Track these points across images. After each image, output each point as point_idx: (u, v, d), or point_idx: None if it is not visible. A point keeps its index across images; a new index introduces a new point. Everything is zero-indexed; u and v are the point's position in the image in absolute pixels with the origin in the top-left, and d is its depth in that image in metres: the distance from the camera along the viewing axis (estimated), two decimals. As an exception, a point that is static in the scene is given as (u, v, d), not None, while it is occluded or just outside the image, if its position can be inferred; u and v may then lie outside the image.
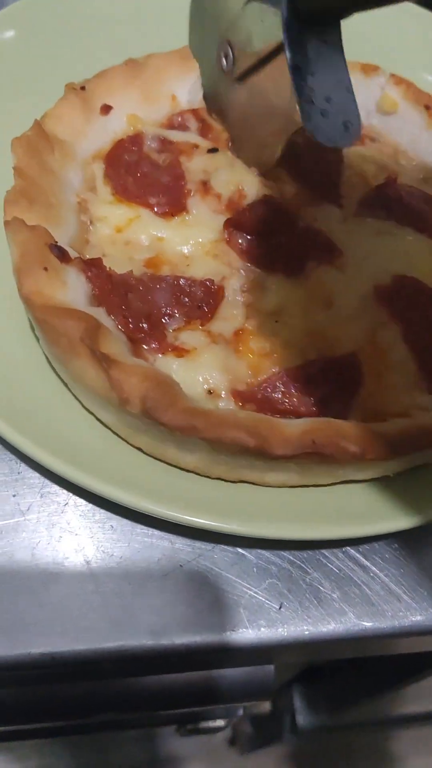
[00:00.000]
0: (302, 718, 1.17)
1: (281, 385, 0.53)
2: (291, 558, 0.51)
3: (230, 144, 0.69)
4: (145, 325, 0.53)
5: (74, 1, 0.75)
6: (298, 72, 0.50)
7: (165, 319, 0.55)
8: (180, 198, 0.63)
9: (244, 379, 0.54)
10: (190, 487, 0.49)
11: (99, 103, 0.65)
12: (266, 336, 0.57)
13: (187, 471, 0.50)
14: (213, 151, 0.68)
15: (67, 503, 0.51)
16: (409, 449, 0.47)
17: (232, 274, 0.59)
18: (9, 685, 0.59)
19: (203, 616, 0.48)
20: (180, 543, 0.51)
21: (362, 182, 0.69)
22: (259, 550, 0.51)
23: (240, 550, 0.51)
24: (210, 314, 0.56)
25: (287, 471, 0.49)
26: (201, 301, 0.56)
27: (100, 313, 0.51)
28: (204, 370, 0.53)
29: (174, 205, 0.62)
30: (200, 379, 0.53)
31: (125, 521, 0.51)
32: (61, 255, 0.51)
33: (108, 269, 0.54)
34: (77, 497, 0.52)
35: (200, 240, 0.61)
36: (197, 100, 0.71)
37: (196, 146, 0.68)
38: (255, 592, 0.49)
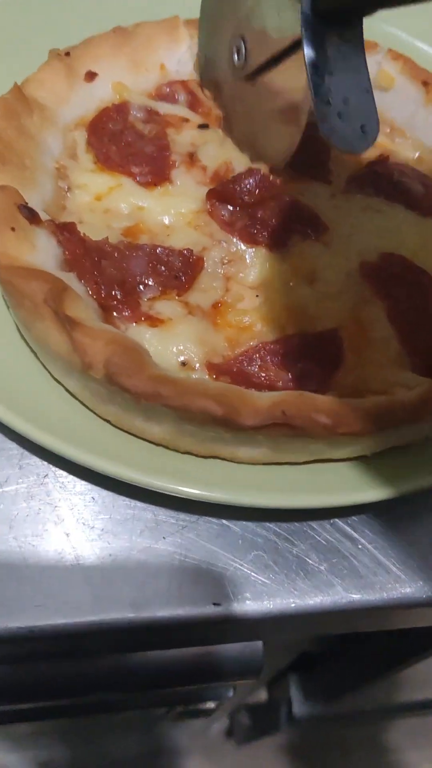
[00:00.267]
0: (298, 708, 1.16)
1: (258, 359, 0.51)
2: (277, 530, 0.50)
3: (222, 123, 0.67)
4: (117, 293, 0.51)
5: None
6: (316, 70, 0.48)
7: (140, 288, 0.53)
8: (164, 168, 0.61)
9: (221, 352, 0.52)
10: (169, 461, 0.48)
11: (84, 69, 0.63)
12: (246, 310, 0.55)
13: (156, 444, 0.48)
14: (204, 127, 0.67)
15: (47, 475, 0.50)
16: (383, 424, 0.45)
17: (213, 245, 0.58)
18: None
19: (186, 589, 0.46)
20: (163, 515, 0.49)
21: (353, 159, 0.67)
22: (244, 522, 0.50)
23: (225, 521, 0.49)
24: (187, 285, 0.54)
25: (258, 445, 0.47)
26: (178, 270, 0.54)
27: (70, 278, 0.49)
28: (179, 341, 0.51)
29: (157, 175, 0.61)
30: (174, 350, 0.51)
31: (106, 493, 0.49)
32: (31, 216, 0.49)
33: (82, 234, 0.52)
34: (57, 469, 0.50)
35: (182, 210, 0.59)
36: (187, 71, 0.69)
37: (186, 120, 0.67)
38: (240, 565, 0.48)
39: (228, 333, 0.53)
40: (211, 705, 0.94)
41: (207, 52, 0.67)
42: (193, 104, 0.69)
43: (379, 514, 0.52)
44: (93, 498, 0.49)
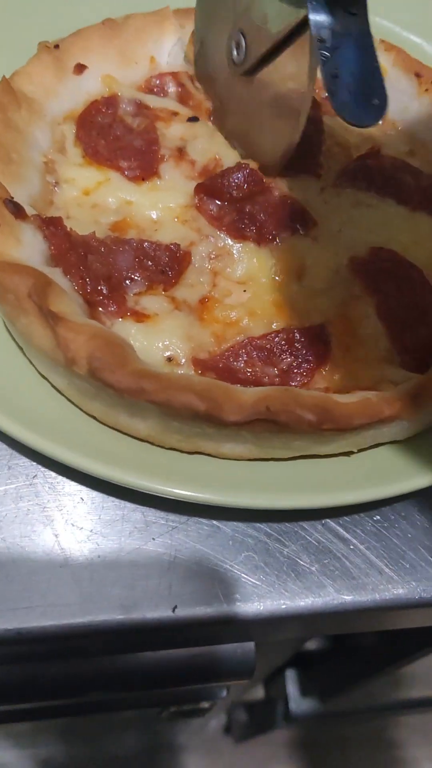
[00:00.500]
0: (296, 705, 1.17)
1: (244, 354, 0.51)
2: (268, 530, 0.49)
3: (212, 116, 0.67)
4: (103, 288, 0.51)
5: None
6: (323, 45, 0.47)
7: (126, 283, 0.52)
8: (152, 162, 0.61)
9: (207, 348, 0.52)
10: (155, 458, 0.47)
11: (73, 62, 0.63)
12: (233, 305, 0.55)
13: (141, 441, 0.48)
14: (193, 120, 0.66)
15: (36, 476, 0.49)
16: (369, 420, 0.45)
17: (201, 240, 0.57)
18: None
19: (176, 591, 0.46)
20: (153, 515, 0.49)
21: (343, 153, 0.66)
22: (235, 523, 0.49)
23: (215, 522, 0.49)
24: (174, 280, 0.54)
25: (244, 442, 0.47)
26: (165, 265, 0.54)
27: (56, 274, 0.49)
28: (165, 337, 0.51)
29: (145, 170, 0.60)
30: (160, 345, 0.51)
31: (96, 493, 0.49)
32: (17, 211, 0.49)
33: (69, 229, 0.52)
34: (46, 469, 0.50)
35: (170, 205, 0.59)
36: (177, 64, 0.69)
37: (175, 113, 0.66)
38: (230, 566, 0.48)
39: (215, 328, 0.53)
40: (204, 705, 0.94)
41: (202, 44, 0.66)
42: (183, 96, 0.68)
43: (371, 514, 0.51)
44: (82, 499, 0.49)
